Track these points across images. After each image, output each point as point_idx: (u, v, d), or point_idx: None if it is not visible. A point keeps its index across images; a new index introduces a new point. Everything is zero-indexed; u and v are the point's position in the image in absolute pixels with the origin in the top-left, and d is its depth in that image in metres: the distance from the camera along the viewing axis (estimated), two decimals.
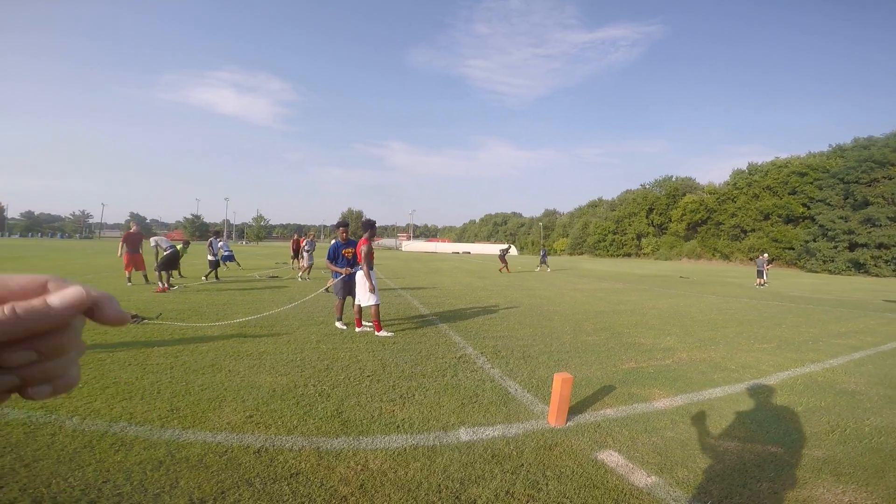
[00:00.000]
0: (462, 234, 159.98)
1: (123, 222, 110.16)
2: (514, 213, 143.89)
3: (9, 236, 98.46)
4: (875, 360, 5.65)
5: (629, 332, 7.01)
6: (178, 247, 13.04)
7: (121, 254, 11.15)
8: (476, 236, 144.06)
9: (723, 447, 2.94)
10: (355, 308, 6.25)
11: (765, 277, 18.77)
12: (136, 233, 11.60)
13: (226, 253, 14.03)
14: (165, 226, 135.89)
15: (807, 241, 47.40)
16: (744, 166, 64.32)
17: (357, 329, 6.22)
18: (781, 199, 54.80)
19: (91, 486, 2.21)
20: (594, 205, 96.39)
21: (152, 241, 11.37)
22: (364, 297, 6.07)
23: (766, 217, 56.33)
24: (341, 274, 6.39)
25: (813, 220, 48.54)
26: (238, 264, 17.80)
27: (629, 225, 78.43)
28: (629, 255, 76.85)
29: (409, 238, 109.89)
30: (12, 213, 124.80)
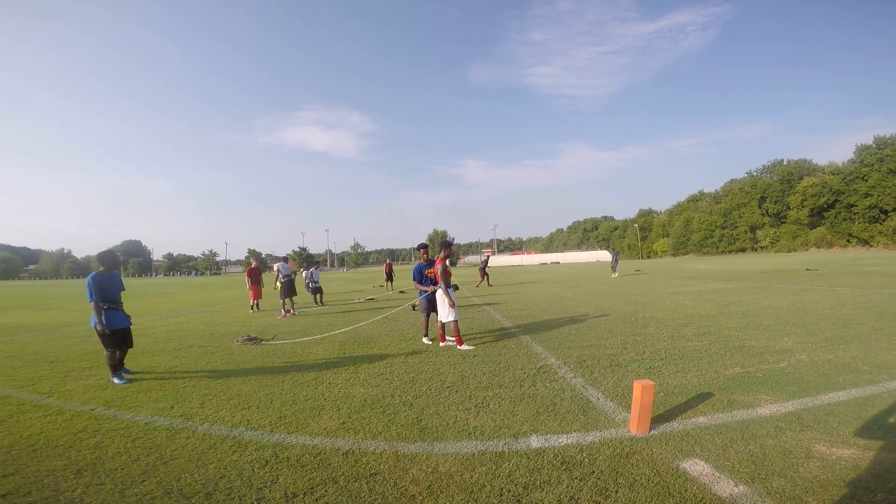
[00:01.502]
0: (549, 244, 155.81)
1: (244, 258, 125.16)
2: (606, 217, 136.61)
3: (155, 276, 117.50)
4: None
5: (738, 335, 6.35)
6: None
7: (248, 286, 12.91)
8: (565, 245, 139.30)
9: (835, 455, 2.60)
10: (438, 324, 6.52)
11: None
12: (256, 267, 13.39)
13: (314, 284, 14.55)
14: (278, 259, 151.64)
15: None
16: (869, 141, 55.87)
17: (441, 344, 6.48)
18: None
19: (210, 481, 2.64)
20: (695, 199, 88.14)
21: (275, 266, 12.76)
22: (444, 313, 6.33)
23: None
24: (426, 292, 6.72)
25: None
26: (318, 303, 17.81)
27: (739, 217, 70.47)
28: (743, 249, 68.85)
29: (493, 253, 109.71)
30: (156, 255, 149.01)
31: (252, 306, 12.87)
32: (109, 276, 5.23)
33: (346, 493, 2.43)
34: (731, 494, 2.24)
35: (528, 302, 12.38)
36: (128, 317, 5.41)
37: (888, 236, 47.64)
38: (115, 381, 5.09)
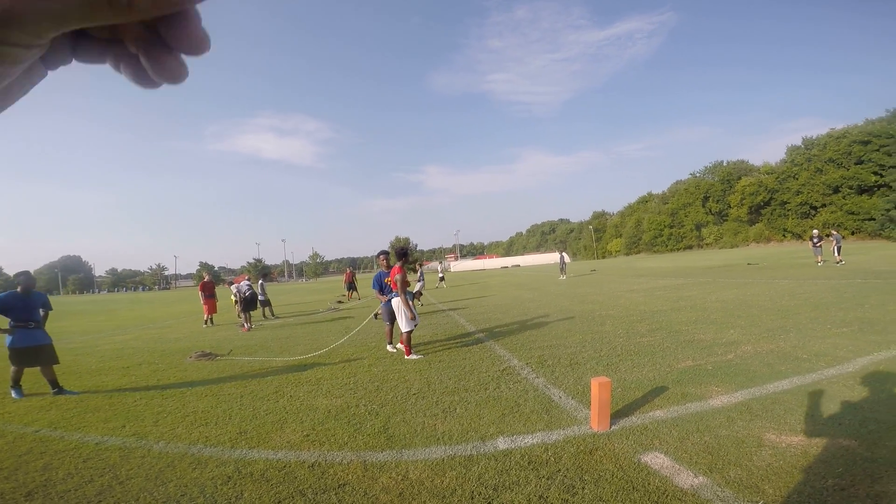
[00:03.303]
0: (510, 248, 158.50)
1: (195, 272, 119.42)
2: (562, 220, 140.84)
3: (98, 292, 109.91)
4: None
5: (688, 329, 6.69)
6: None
7: (202, 301, 12.37)
8: (524, 248, 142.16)
9: (785, 443, 2.76)
10: (401, 336, 6.36)
11: (838, 254, 17.00)
12: (209, 281, 12.84)
13: (260, 297, 14.09)
14: (232, 271, 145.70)
15: (888, 210, 43.26)
16: (798, 142, 60.99)
17: (406, 357, 6.26)
18: (848, 170, 50.93)
19: (171, 499, 2.52)
20: (644, 200, 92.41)
21: (233, 288, 12.37)
22: (404, 322, 6.15)
23: (836, 190, 52.45)
24: (386, 301, 6.58)
25: (890, 187, 44.51)
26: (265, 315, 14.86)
27: (685, 216, 74.59)
28: (690, 247, 72.83)
29: (455, 258, 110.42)
30: (98, 271, 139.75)
31: (206, 321, 12.29)
32: (24, 296, 5.24)
33: None
34: (692, 485, 2.34)
35: (490, 306, 12.53)
36: (46, 335, 5.43)
37: (820, 228, 51.83)
38: (13, 394, 5.23)
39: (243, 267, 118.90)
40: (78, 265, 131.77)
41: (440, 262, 43.54)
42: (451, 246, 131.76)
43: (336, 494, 2.48)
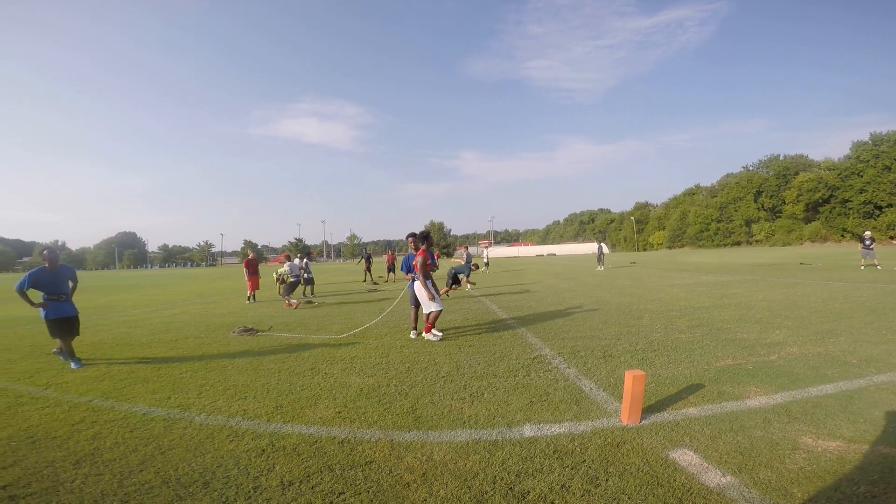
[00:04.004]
0: (546, 236, 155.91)
1: (239, 249, 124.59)
2: (602, 210, 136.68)
3: (150, 267, 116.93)
4: None
5: (730, 327, 6.42)
6: (282, 269, 14.63)
7: (246, 277, 12.92)
8: (562, 237, 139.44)
9: (822, 448, 2.64)
10: (424, 317, 6.49)
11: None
12: (253, 258, 13.40)
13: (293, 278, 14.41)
14: (274, 250, 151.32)
15: None
16: (864, 137, 56.16)
17: (425, 335, 6.37)
18: None
19: (207, 470, 2.68)
20: (691, 192, 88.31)
21: (286, 265, 12.54)
22: (426, 304, 6.31)
23: None
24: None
25: None
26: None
27: (735, 211, 70.83)
28: (738, 243, 69.22)
29: (489, 244, 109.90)
30: (151, 247, 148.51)
31: (249, 297, 12.88)
32: (52, 272, 5.61)
33: (342, 480, 2.47)
34: (719, 485, 2.29)
35: (524, 294, 12.44)
36: (73, 307, 5.83)
37: (882, 231, 48.00)
38: (72, 365, 5.53)
39: (284, 246, 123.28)
40: (133, 241, 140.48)
41: (484, 248, 43.61)
42: (485, 232, 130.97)
43: (363, 471, 2.57)
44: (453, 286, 12.19)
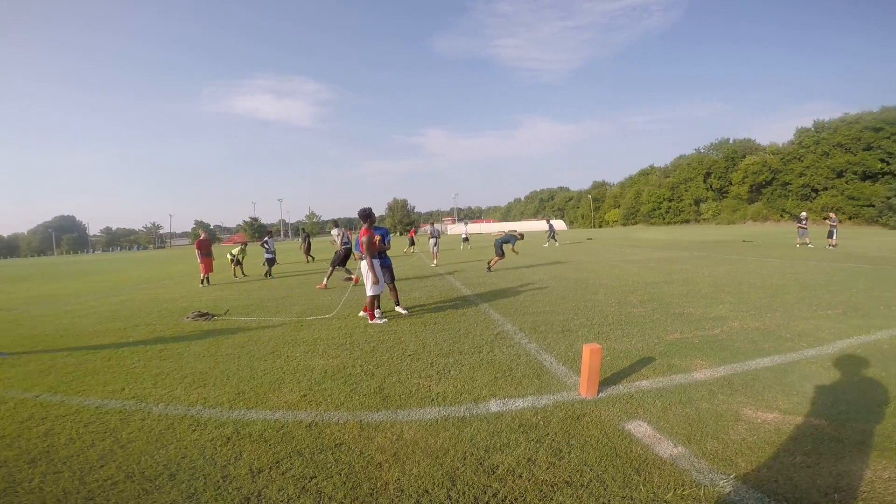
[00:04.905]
0: (507, 214, 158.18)
1: (190, 230, 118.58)
2: (561, 188, 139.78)
3: (92, 252, 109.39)
4: None
5: (678, 302, 6.81)
6: (237, 250, 14.10)
7: (199, 259, 12.26)
8: (522, 214, 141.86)
9: (760, 419, 2.86)
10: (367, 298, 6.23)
11: (833, 237, 17.15)
12: (206, 239, 12.79)
13: (268, 255, 14.08)
14: (227, 230, 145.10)
15: (888, 198, 43.27)
16: (808, 124, 59.88)
17: (370, 322, 6.19)
18: (855, 155, 50.48)
19: (172, 461, 2.60)
20: (645, 173, 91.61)
21: (334, 231, 11.47)
22: (368, 286, 6.11)
23: (839, 175, 52.31)
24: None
25: (894, 175, 44.15)
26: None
27: (685, 191, 74.45)
28: (687, 221, 73.01)
29: (453, 221, 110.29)
30: (93, 230, 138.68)
31: (202, 280, 12.35)
32: None
33: (313, 464, 2.47)
34: (671, 455, 2.45)
35: (485, 270, 12.62)
36: None
37: (816, 213, 51.85)
38: None
39: (239, 226, 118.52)
40: (72, 225, 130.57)
41: (464, 225, 43.93)
42: (448, 209, 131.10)
43: (333, 454, 2.58)
44: (501, 257, 12.36)
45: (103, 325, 7.17)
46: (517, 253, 14.20)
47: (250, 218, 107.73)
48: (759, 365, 3.90)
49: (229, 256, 14.32)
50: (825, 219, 19.08)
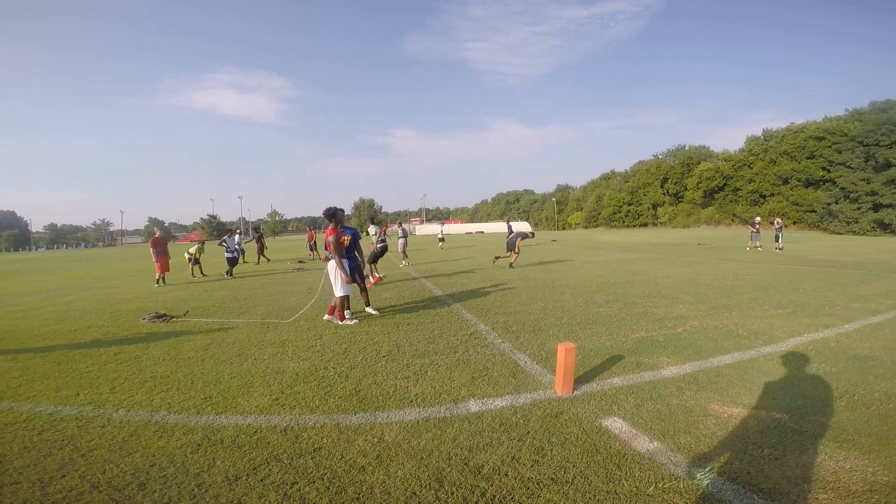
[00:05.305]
0: (474, 215, 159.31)
1: (143, 227, 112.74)
2: (527, 191, 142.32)
3: (35, 250, 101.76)
4: (893, 324, 5.45)
5: (641, 302, 7.06)
6: (194, 249, 13.51)
7: (154, 258, 11.65)
8: (489, 215, 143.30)
9: (727, 414, 2.99)
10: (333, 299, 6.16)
11: (779, 241, 18.35)
12: (161, 237, 12.17)
13: (229, 254, 13.52)
14: (184, 228, 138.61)
15: (828, 204, 46.68)
16: (758, 132, 63.89)
17: (325, 317, 6.23)
18: (800, 163, 54.15)
19: (140, 470, 2.45)
20: (607, 177, 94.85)
21: (372, 229, 11.27)
22: (335, 287, 6.01)
23: (785, 181, 55.87)
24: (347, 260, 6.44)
25: (834, 182, 47.69)
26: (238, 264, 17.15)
27: (644, 195, 77.65)
28: (645, 224, 76.18)
29: (421, 222, 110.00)
30: (36, 226, 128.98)
31: (157, 280, 11.73)
32: None
33: (292, 470, 2.39)
34: (648, 450, 2.54)
35: (456, 270, 12.68)
36: None
37: (764, 217, 55.13)
38: None
39: (196, 223, 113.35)
40: (12, 221, 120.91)
41: (440, 225, 43.94)
42: (416, 210, 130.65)
43: (312, 459, 2.51)
44: (511, 253, 13.18)
45: (50, 328, 6.68)
46: (531, 238, 15.12)
47: (208, 215, 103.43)
48: (721, 362, 4.09)
49: (187, 255, 13.68)
50: (771, 223, 20.31)
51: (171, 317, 6.94)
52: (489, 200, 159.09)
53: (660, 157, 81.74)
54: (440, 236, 29.06)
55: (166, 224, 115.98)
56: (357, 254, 6.55)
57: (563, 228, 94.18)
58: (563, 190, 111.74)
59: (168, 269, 12.02)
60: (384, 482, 2.26)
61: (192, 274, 13.47)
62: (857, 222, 42.20)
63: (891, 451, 2.48)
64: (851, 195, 43.85)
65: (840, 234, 41.62)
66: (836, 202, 45.48)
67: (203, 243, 14.36)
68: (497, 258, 14.16)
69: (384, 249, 10.67)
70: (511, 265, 13.04)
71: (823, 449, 2.52)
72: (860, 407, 3.06)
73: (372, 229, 11.32)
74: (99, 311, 8.11)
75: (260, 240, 19.40)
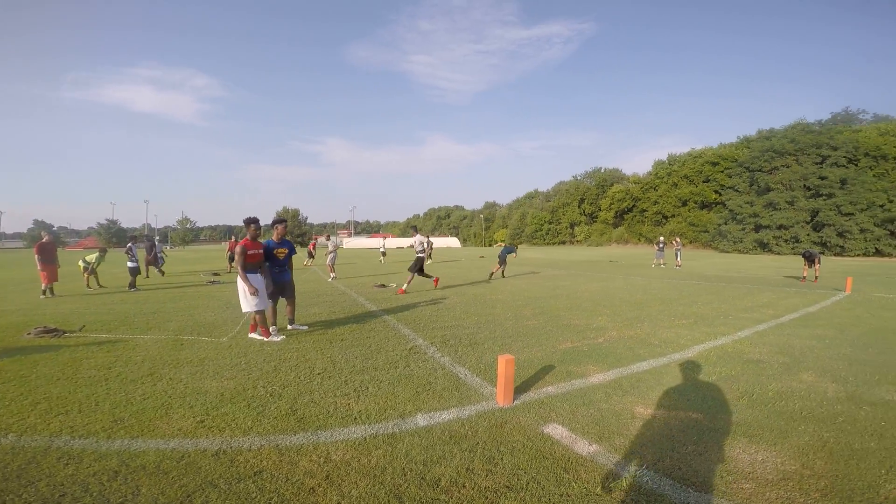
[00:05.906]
0: (406, 229, 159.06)
1: (26, 231, 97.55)
2: (457, 207, 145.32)
3: None
4: (775, 331, 6.31)
5: (565, 314, 7.51)
6: (93, 257, 12.01)
7: (39, 266, 10.18)
8: (420, 230, 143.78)
9: (651, 415, 3.28)
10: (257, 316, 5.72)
11: (679, 259, 20.57)
12: (49, 242, 10.69)
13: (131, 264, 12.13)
14: (76, 233, 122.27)
15: (719, 225, 52.87)
16: (664, 157, 70.83)
17: (250, 335, 5.82)
18: (697, 186, 60.95)
19: (48, 500, 2.14)
20: (531, 196, 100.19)
21: (416, 238, 11.82)
22: (243, 302, 5.61)
23: (684, 203, 62.41)
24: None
25: (724, 205, 54.16)
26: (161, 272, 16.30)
27: (563, 215, 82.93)
28: (563, 242, 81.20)
29: (350, 234, 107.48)
30: None
31: (44, 290, 10.22)
32: None
33: (233, 495, 2.21)
34: (589, 452, 2.70)
35: (388, 284, 12.52)
36: None
37: (666, 237, 61.45)
38: None
39: (91, 228, 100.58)
40: None
41: (382, 239, 42.77)
42: (345, 222, 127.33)
43: (255, 483, 2.33)
44: (503, 265, 14.38)
45: None
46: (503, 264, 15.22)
47: (107, 220, 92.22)
48: (640, 368, 4.48)
49: (82, 264, 12.04)
50: (671, 243, 22.68)
51: (64, 331, 6.06)
52: (421, 215, 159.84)
53: (578, 178, 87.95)
54: (382, 250, 28.68)
55: (55, 228, 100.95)
56: (288, 268, 6.25)
57: (490, 245, 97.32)
58: (490, 207, 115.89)
59: (56, 279, 10.52)
60: (339, 502, 2.16)
61: (88, 284, 11.90)
62: (741, 241, 48.24)
63: (792, 442, 2.87)
64: (738, 216, 50.06)
65: (728, 252, 47.35)
66: (726, 223, 51.66)
67: (105, 251, 12.76)
68: (492, 274, 14.69)
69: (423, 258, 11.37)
70: (492, 275, 14.43)
71: (737, 444, 2.85)
72: (759, 405, 3.51)
73: (416, 238, 11.85)
74: None
75: (153, 249, 16.75)
